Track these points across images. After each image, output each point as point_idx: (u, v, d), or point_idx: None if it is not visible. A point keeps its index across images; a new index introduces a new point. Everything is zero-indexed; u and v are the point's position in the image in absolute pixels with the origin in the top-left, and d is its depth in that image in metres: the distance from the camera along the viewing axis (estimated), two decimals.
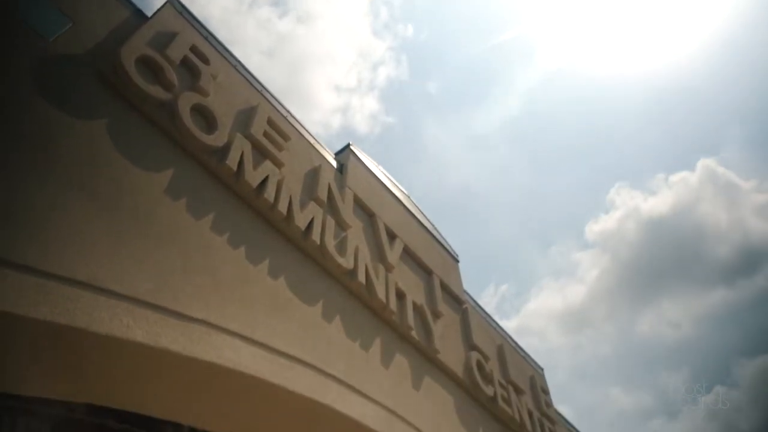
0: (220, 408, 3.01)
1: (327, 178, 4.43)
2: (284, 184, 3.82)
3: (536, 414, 5.97)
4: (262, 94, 4.38)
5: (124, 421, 3.86)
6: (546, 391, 6.75)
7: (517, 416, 5.39)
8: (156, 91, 3.28)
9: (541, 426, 5.91)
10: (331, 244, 3.96)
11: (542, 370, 7.36)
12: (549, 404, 6.58)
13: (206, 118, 3.57)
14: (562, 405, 7.19)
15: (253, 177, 3.56)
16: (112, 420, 3.80)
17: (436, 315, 4.93)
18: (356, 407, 3.38)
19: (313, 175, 4.36)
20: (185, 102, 3.38)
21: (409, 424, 3.81)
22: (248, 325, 2.97)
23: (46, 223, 2.41)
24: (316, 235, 3.86)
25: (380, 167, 5.88)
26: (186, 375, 2.71)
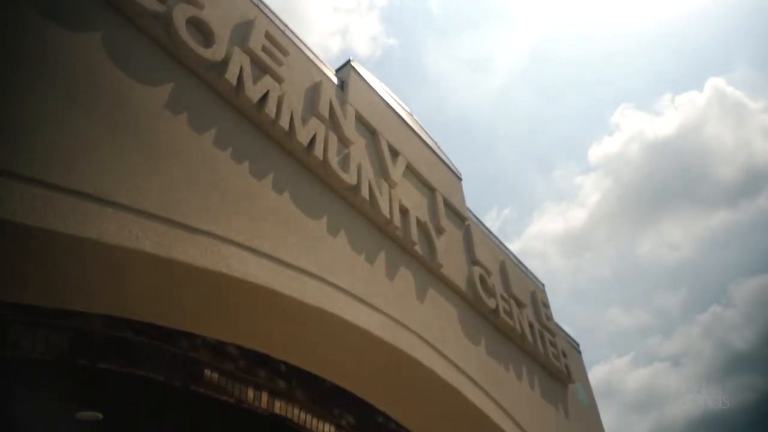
0: (230, 318, 3.12)
1: (328, 94, 4.37)
2: (285, 100, 3.78)
3: (537, 326, 6.16)
4: (258, 8, 4.26)
5: (140, 333, 4.01)
6: (546, 305, 6.94)
7: (518, 327, 5.57)
8: (150, 3, 3.18)
9: (542, 337, 6.12)
10: (333, 160, 3.97)
11: (543, 285, 7.53)
12: (549, 317, 6.78)
13: (203, 31, 3.48)
14: (562, 325, 7.39)
15: (253, 92, 3.51)
16: (128, 332, 3.94)
17: (440, 231, 5.00)
18: (362, 316, 3.49)
19: (313, 91, 4.31)
20: (180, 14, 3.28)
21: (413, 332, 3.94)
22: (255, 238, 3.02)
23: (48, 137, 2.41)
24: (318, 151, 3.85)
25: (382, 84, 5.80)
26: (196, 286, 2.79)
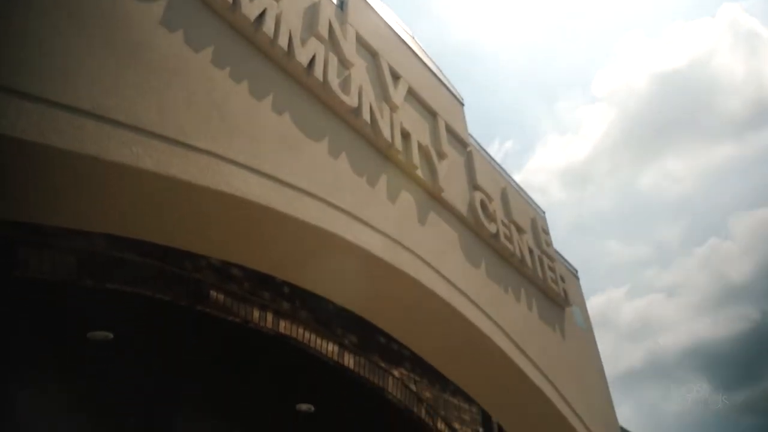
0: (231, 237, 3.15)
1: (327, 14, 4.25)
2: (283, 19, 3.67)
3: (536, 251, 6.24)
4: None
5: (144, 255, 4.08)
6: (546, 232, 7.00)
7: (518, 252, 5.65)
8: None
9: (541, 262, 6.20)
10: (334, 81, 3.90)
11: (544, 213, 7.57)
12: (549, 244, 6.85)
13: None
14: None
15: (250, 9, 3.41)
16: (132, 254, 4.01)
17: (441, 155, 4.99)
18: (363, 237, 3.53)
19: (312, 11, 4.18)
20: None
21: (414, 254, 4.00)
22: (255, 158, 3.01)
23: (44, 53, 2.36)
24: (318, 72, 3.78)
25: (384, 6, 5.63)
26: (197, 204, 2.81)
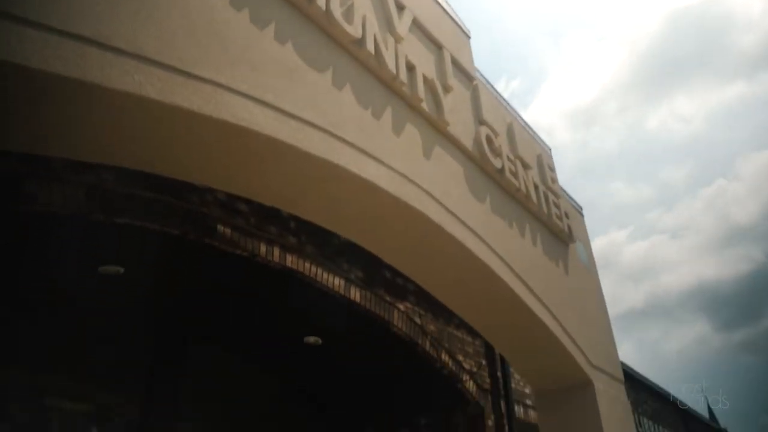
0: (236, 168, 3.16)
1: None
2: None
3: (541, 187, 6.24)
4: None
5: (151, 190, 4.11)
6: (552, 169, 6.98)
7: (523, 187, 5.65)
8: None
9: (546, 198, 6.21)
10: (337, 11, 3.80)
11: (550, 149, 7.52)
12: (554, 180, 6.84)
13: None
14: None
15: None
16: (139, 188, 4.04)
17: (447, 89, 4.92)
18: (369, 169, 3.53)
19: None
20: None
21: (419, 187, 4.01)
22: (258, 88, 2.98)
23: None
24: (321, 1, 3.70)
25: None
26: (201, 134, 2.81)
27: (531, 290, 5.28)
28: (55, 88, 2.30)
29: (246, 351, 6.96)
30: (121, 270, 4.97)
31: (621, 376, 6.82)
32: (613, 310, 7.36)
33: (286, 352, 6.91)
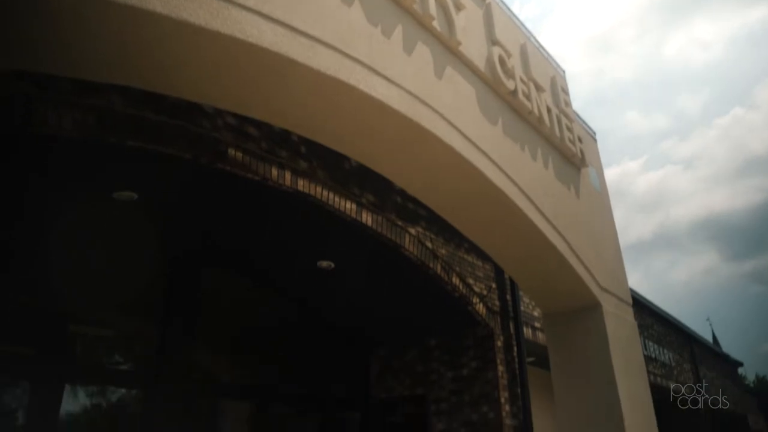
0: (245, 87, 3.12)
1: None
2: None
3: (555, 110, 6.14)
4: None
5: (161, 113, 4.09)
6: (566, 92, 6.84)
7: (536, 110, 5.57)
8: None
9: (559, 121, 6.13)
10: None
11: (564, 72, 7.34)
12: (568, 104, 6.72)
13: None
14: None
15: None
16: (149, 111, 4.02)
17: (459, 7, 4.76)
18: (379, 89, 3.47)
19: None
20: None
21: (431, 108, 3.95)
22: (267, 4, 2.89)
23: None
24: None
25: None
26: (209, 51, 2.75)
27: (542, 213, 5.30)
28: (59, 4, 2.26)
29: (260, 275, 7.11)
30: (135, 196, 5.01)
31: (629, 298, 6.93)
32: (621, 240, 7.37)
33: (299, 276, 7.04)
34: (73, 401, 5.46)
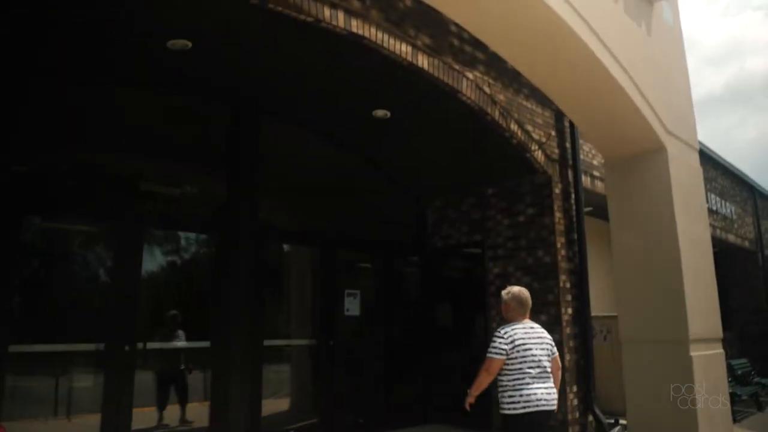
0: None
1: None
2: None
3: None
4: None
5: None
6: None
7: None
8: None
9: None
10: None
11: None
12: None
13: None
14: None
15: None
16: None
17: None
18: None
19: None
20: None
21: None
22: None
23: None
24: None
25: None
26: None
27: (608, 49, 5.00)
28: None
29: (317, 126, 7.14)
30: (189, 44, 4.98)
31: (696, 143, 6.67)
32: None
33: (354, 126, 7.03)
34: (149, 252, 5.87)
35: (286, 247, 7.50)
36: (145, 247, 5.68)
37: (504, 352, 3.66)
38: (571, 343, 6.71)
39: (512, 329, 3.75)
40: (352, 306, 7.36)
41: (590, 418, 6.69)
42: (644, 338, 5.90)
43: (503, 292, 4.03)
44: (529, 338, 3.74)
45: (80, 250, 5.61)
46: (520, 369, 3.64)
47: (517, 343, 3.68)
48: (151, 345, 5.51)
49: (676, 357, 5.62)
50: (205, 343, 5.96)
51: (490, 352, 3.69)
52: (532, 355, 3.68)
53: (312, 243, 7.37)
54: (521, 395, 3.59)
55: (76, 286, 5.49)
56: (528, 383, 3.62)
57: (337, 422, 6.97)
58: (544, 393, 3.64)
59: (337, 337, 7.11)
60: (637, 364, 5.93)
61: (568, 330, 6.69)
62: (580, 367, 6.75)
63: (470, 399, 3.84)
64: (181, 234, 6.37)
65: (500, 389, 3.72)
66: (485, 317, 7.56)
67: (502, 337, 3.70)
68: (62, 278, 5.39)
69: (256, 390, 6.14)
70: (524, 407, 3.57)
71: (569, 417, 6.41)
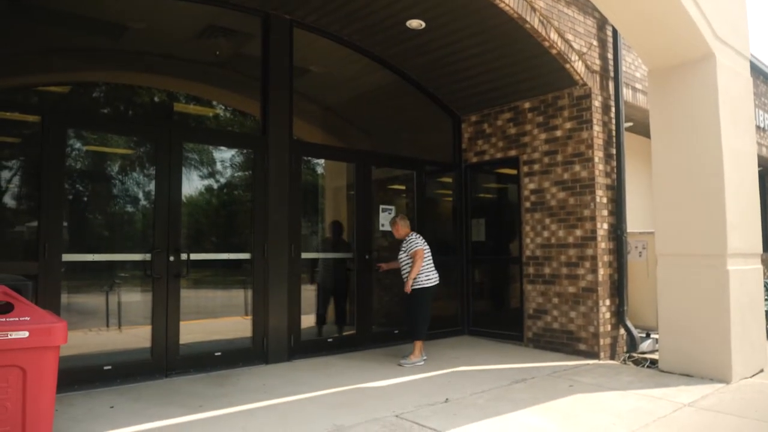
0: None
1: None
2: None
3: None
4: None
5: None
6: None
7: None
8: None
9: None
10: None
11: None
12: None
13: None
14: None
15: None
16: None
17: None
18: None
19: None
20: None
21: None
22: None
23: None
24: None
25: None
26: None
27: None
28: None
29: (351, 38, 6.99)
30: None
31: (747, 51, 6.34)
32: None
33: (389, 38, 6.87)
34: (189, 171, 5.97)
35: (321, 162, 7.54)
36: (184, 166, 5.78)
37: (425, 244, 6.32)
38: (606, 258, 6.70)
39: (416, 235, 6.33)
40: (387, 221, 7.44)
41: (621, 331, 6.77)
42: (680, 252, 5.87)
43: (398, 219, 6.49)
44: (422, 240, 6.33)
45: (123, 170, 5.74)
46: (429, 258, 6.31)
47: (424, 241, 6.35)
48: (194, 256, 5.72)
49: (712, 271, 5.59)
50: (246, 255, 6.15)
51: (419, 245, 6.19)
52: (428, 250, 6.33)
53: (347, 159, 7.39)
54: (432, 274, 6.29)
55: (127, 202, 5.67)
56: (433, 268, 6.32)
57: (373, 333, 7.23)
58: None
59: (373, 251, 7.24)
60: (671, 278, 5.93)
61: (602, 245, 6.67)
62: (613, 282, 6.77)
63: (409, 282, 6.17)
64: (219, 151, 6.44)
65: (421, 271, 6.20)
66: (520, 233, 7.57)
67: (420, 237, 6.33)
68: (110, 197, 5.56)
69: (295, 300, 6.37)
70: (434, 282, 6.29)
71: (601, 329, 6.50)
